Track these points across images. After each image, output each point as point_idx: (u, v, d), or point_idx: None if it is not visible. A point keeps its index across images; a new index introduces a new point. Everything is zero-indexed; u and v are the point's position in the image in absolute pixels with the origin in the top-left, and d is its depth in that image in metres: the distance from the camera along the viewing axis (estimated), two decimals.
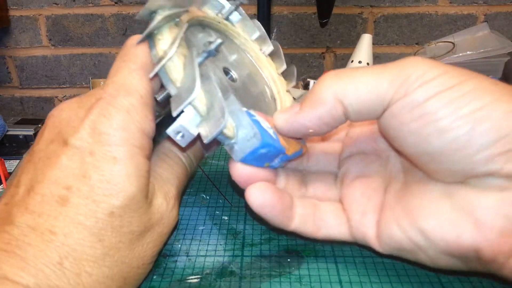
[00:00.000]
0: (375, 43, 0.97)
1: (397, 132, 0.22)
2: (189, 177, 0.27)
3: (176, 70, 0.22)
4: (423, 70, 0.20)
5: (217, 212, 0.32)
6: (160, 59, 0.22)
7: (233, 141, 0.23)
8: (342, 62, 1.03)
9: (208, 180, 0.36)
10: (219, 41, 0.23)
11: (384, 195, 0.25)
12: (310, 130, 0.23)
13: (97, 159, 0.21)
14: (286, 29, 1.01)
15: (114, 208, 0.20)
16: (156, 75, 0.22)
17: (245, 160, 0.24)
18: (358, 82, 0.22)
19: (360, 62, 0.75)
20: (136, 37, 0.23)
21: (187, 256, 0.27)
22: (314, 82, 0.67)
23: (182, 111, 0.22)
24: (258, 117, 0.24)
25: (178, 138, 0.22)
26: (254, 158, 0.24)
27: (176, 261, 0.27)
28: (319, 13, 0.93)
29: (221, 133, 0.22)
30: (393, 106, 0.21)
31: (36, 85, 1.09)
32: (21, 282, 0.18)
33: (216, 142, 0.28)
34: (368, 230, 0.25)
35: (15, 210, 0.20)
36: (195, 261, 0.26)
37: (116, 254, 0.21)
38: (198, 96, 0.22)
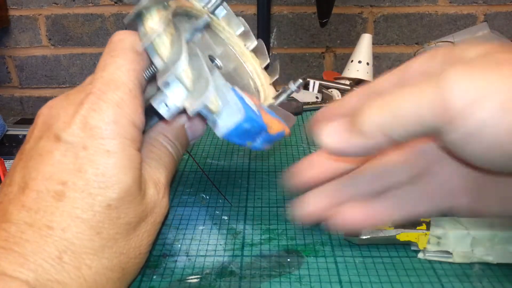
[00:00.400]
0: (375, 43, 0.97)
1: (477, 161, 0.19)
2: (176, 165, 0.28)
3: (164, 46, 0.22)
4: (464, 88, 0.17)
5: (217, 212, 0.32)
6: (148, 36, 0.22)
7: (216, 116, 0.23)
8: (342, 62, 1.03)
9: (208, 180, 0.36)
10: (206, 17, 0.24)
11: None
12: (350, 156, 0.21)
13: (90, 153, 0.21)
14: (286, 29, 1.01)
15: (111, 200, 0.21)
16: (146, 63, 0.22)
17: (228, 136, 0.23)
18: (402, 115, 0.19)
19: (360, 61, 0.75)
20: (122, 33, 0.23)
21: (187, 256, 0.27)
22: (314, 82, 0.66)
23: (167, 83, 0.22)
24: (242, 94, 0.24)
25: (162, 110, 0.22)
26: (237, 134, 0.23)
27: (176, 261, 0.27)
28: (319, 13, 0.93)
29: (205, 107, 0.22)
30: (452, 136, 0.18)
31: (35, 85, 1.09)
32: (20, 278, 0.18)
33: (203, 123, 0.28)
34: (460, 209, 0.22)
35: (11, 208, 0.20)
36: (195, 261, 0.26)
37: (114, 246, 0.21)
38: (185, 70, 0.22)
